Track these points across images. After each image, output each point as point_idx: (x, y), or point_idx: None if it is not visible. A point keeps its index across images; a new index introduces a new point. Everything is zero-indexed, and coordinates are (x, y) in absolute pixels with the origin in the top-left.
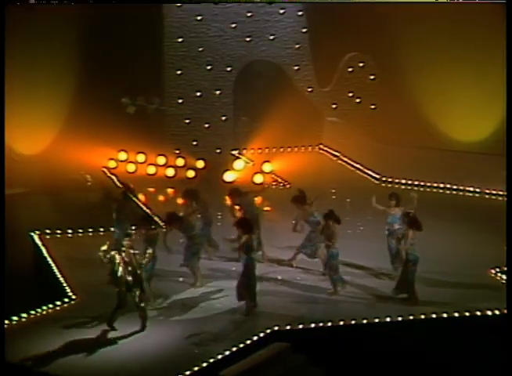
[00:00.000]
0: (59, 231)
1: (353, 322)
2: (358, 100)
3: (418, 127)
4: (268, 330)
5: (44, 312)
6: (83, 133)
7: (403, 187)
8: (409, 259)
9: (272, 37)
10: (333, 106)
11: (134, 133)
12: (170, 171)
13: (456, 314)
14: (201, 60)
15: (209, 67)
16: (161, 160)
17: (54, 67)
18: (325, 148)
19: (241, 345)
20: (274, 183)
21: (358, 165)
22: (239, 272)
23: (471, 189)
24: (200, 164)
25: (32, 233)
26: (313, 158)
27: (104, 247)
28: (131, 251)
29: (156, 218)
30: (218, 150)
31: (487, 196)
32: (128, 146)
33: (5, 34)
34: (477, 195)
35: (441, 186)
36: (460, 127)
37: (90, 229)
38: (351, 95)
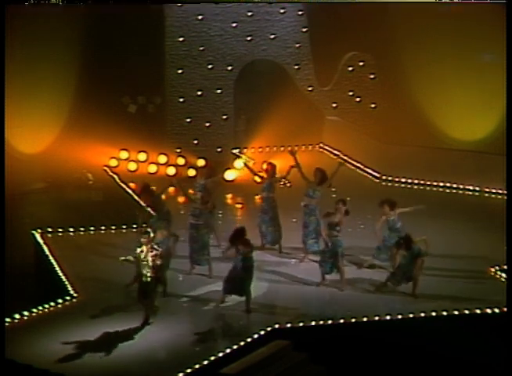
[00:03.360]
0: (60, 229)
1: (353, 320)
2: (358, 99)
3: (418, 126)
4: (269, 328)
5: (45, 310)
6: (84, 132)
7: (403, 186)
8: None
9: (272, 37)
10: (334, 105)
11: (135, 132)
12: (171, 170)
13: (456, 312)
14: (202, 59)
15: (210, 66)
16: (162, 158)
17: (55, 66)
18: (325, 147)
19: (242, 343)
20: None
21: (358, 164)
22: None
23: (471, 187)
24: (201, 162)
25: (34, 232)
26: (313, 157)
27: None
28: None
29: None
30: (219, 149)
31: (486, 194)
32: (129, 145)
33: (5, 34)
34: (476, 194)
35: (441, 184)
36: (460, 126)
37: (91, 228)
38: (351, 94)
